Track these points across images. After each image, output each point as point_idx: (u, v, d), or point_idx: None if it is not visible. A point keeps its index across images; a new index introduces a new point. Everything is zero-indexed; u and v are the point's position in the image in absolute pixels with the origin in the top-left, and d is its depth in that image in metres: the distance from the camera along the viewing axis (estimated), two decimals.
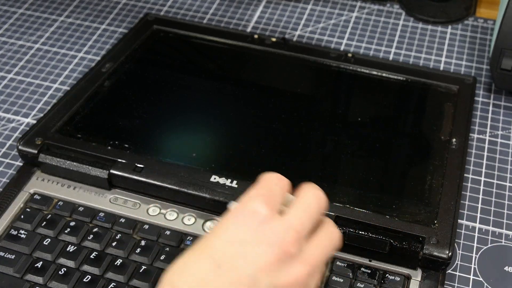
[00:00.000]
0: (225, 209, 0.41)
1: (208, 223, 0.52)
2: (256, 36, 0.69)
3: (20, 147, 0.56)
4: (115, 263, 0.49)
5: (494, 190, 0.58)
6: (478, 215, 0.55)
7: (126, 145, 0.57)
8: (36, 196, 0.55)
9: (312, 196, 0.41)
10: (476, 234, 0.54)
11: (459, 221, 0.55)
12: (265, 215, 0.38)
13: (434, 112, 0.61)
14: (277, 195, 0.40)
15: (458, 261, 0.52)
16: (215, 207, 0.52)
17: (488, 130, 0.63)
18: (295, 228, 0.38)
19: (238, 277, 0.36)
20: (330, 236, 0.41)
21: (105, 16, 0.78)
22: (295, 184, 0.54)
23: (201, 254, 0.37)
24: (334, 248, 0.41)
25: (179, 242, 0.51)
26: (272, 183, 0.41)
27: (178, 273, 0.37)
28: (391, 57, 0.72)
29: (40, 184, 0.56)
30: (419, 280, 0.49)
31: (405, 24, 0.76)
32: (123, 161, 0.55)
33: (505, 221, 0.55)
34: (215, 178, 0.53)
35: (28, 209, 0.53)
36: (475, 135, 0.62)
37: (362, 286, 0.48)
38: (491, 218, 0.55)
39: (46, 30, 0.76)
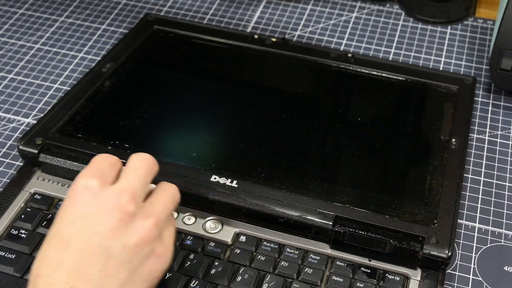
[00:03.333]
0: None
1: (209, 223, 0.53)
2: (256, 36, 0.69)
3: (20, 147, 0.56)
4: None
5: (493, 190, 0.58)
6: (478, 215, 0.56)
7: (126, 145, 0.57)
8: (37, 196, 0.55)
9: (137, 160, 0.44)
10: (476, 234, 0.54)
11: (459, 221, 0.55)
12: (97, 187, 0.41)
13: (434, 112, 0.61)
14: (106, 170, 0.43)
15: (457, 261, 0.52)
16: (215, 207, 0.52)
17: (487, 130, 0.63)
18: (127, 190, 0.41)
19: (88, 249, 0.39)
20: (166, 190, 0.44)
21: (105, 17, 0.78)
22: (297, 184, 0.54)
23: (51, 239, 0.40)
24: (174, 199, 0.44)
25: (180, 242, 0.51)
26: (99, 161, 0.43)
27: (38, 263, 0.40)
28: (391, 57, 0.72)
29: (40, 184, 0.56)
30: (419, 279, 0.49)
31: (405, 24, 0.77)
32: (123, 161, 0.54)
33: (504, 221, 0.55)
34: (215, 178, 0.53)
35: (28, 209, 0.53)
36: (475, 135, 0.63)
37: (362, 286, 0.48)
38: (491, 218, 0.55)
39: (46, 30, 0.76)
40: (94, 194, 0.41)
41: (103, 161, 0.44)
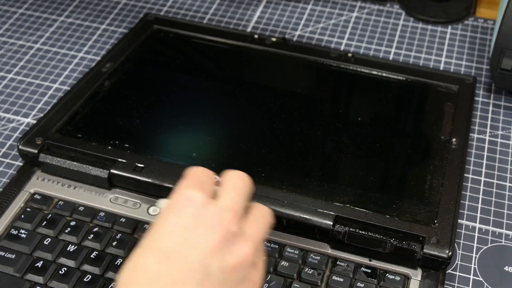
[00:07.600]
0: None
1: None
2: (256, 36, 0.69)
3: (20, 147, 0.56)
4: (116, 263, 0.50)
5: (494, 190, 0.58)
6: (478, 215, 0.55)
7: (126, 145, 0.57)
8: (37, 196, 0.55)
9: (236, 177, 0.42)
10: (476, 234, 0.54)
11: (459, 221, 0.55)
12: (201, 200, 0.39)
13: (434, 112, 0.61)
14: (206, 183, 0.41)
15: (458, 261, 0.52)
16: None
17: (488, 130, 0.63)
18: (231, 208, 0.39)
19: (188, 264, 0.37)
20: (263, 213, 0.42)
21: (105, 16, 0.78)
22: (297, 184, 0.54)
23: (148, 249, 0.38)
24: (269, 224, 0.42)
25: None
26: (198, 173, 0.42)
27: (130, 272, 0.37)
28: (391, 57, 0.72)
29: (40, 184, 0.56)
30: (419, 279, 0.49)
31: (405, 24, 0.77)
32: (123, 160, 0.55)
33: (505, 221, 0.55)
34: (215, 178, 0.53)
35: (28, 209, 0.53)
36: (475, 135, 0.63)
37: (362, 285, 0.48)
38: (491, 218, 0.55)
39: (46, 30, 0.76)
40: (197, 207, 0.39)
41: (202, 173, 0.42)
